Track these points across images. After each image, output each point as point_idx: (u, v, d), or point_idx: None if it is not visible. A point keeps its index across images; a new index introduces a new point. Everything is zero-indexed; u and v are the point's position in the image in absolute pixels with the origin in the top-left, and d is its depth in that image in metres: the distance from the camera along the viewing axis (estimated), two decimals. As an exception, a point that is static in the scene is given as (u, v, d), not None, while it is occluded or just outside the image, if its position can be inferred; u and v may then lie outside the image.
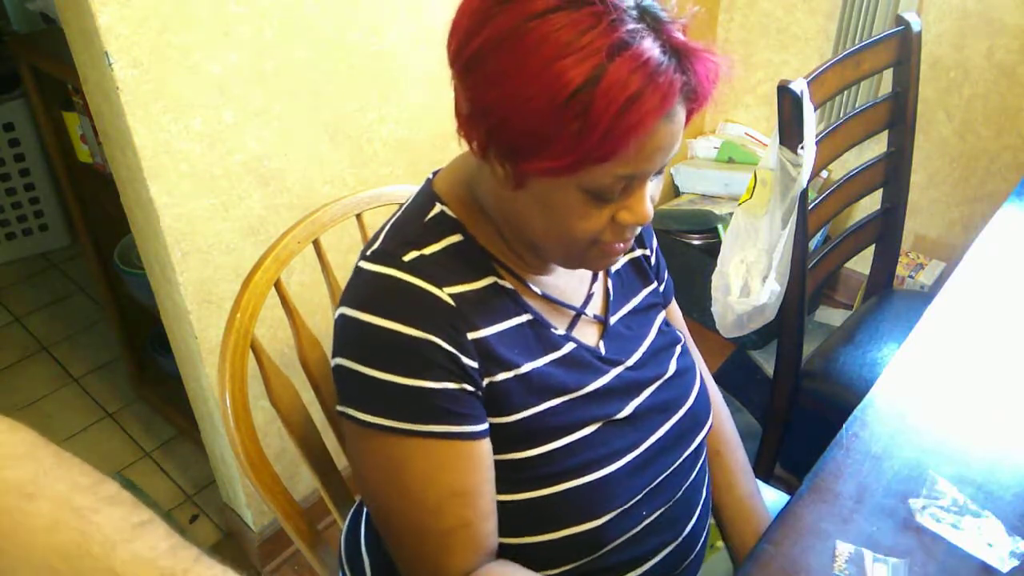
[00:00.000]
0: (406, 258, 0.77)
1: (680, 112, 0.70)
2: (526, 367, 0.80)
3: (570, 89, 0.65)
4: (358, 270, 0.80)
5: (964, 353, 1.13)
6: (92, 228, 1.96)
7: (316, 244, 1.06)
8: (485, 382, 0.78)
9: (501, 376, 0.79)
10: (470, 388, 0.77)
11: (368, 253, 0.80)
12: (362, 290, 0.78)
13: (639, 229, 0.79)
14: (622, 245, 0.79)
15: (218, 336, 1.10)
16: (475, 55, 0.69)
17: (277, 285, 1.00)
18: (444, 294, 0.76)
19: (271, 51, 1.33)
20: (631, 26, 0.66)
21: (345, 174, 1.54)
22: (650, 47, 0.66)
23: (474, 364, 0.77)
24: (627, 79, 0.65)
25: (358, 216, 1.10)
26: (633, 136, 0.66)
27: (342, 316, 0.78)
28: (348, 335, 0.78)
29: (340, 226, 1.10)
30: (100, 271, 2.00)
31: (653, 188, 0.76)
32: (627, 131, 0.66)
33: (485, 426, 0.78)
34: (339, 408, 0.80)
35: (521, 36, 0.66)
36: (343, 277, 1.09)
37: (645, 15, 0.67)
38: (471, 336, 0.77)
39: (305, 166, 1.46)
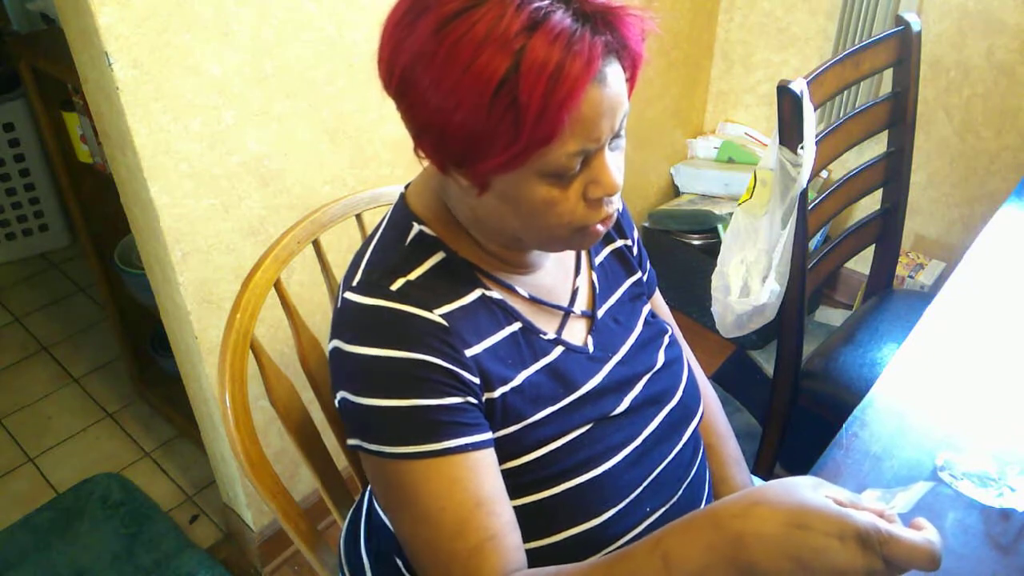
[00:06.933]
0: (394, 287, 0.76)
1: (612, 74, 0.68)
2: (519, 378, 0.80)
3: (494, 82, 0.64)
4: (345, 302, 0.78)
5: (964, 353, 1.13)
6: (92, 228, 1.96)
7: (316, 244, 1.06)
8: (484, 397, 0.78)
9: (499, 391, 0.78)
10: (473, 401, 0.76)
11: (354, 284, 0.79)
12: (353, 323, 0.77)
13: (617, 201, 0.78)
14: (601, 227, 0.77)
15: (218, 336, 1.10)
16: (402, 79, 0.68)
17: (277, 285, 1.00)
18: (436, 316, 0.76)
19: (271, 51, 1.33)
20: (537, 3, 0.65)
21: (345, 174, 1.54)
22: (560, 18, 0.65)
23: (476, 380, 0.77)
24: (545, 55, 0.64)
25: (358, 216, 1.10)
26: (566, 110, 0.65)
27: (337, 351, 0.77)
28: (345, 369, 0.77)
29: (340, 226, 1.10)
30: (100, 271, 2.00)
31: (617, 158, 0.75)
32: (559, 106, 0.65)
33: (491, 433, 0.78)
34: (349, 442, 0.79)
35: (437, 45, 0.65)
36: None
37: None
38: (468, 353, 0.77)
39: (305, 166, 1.46)
